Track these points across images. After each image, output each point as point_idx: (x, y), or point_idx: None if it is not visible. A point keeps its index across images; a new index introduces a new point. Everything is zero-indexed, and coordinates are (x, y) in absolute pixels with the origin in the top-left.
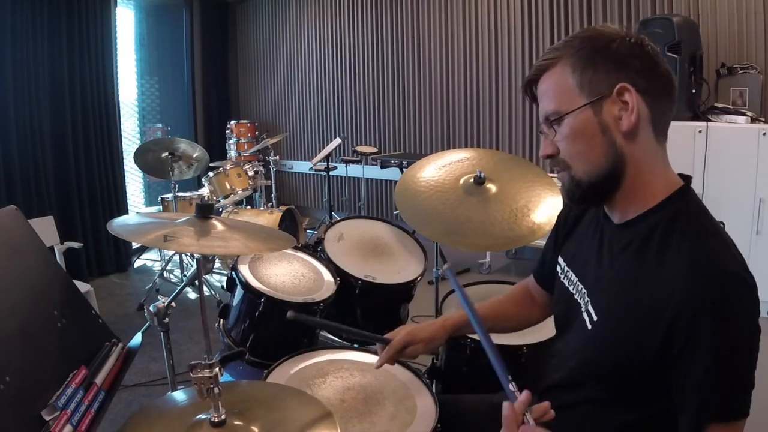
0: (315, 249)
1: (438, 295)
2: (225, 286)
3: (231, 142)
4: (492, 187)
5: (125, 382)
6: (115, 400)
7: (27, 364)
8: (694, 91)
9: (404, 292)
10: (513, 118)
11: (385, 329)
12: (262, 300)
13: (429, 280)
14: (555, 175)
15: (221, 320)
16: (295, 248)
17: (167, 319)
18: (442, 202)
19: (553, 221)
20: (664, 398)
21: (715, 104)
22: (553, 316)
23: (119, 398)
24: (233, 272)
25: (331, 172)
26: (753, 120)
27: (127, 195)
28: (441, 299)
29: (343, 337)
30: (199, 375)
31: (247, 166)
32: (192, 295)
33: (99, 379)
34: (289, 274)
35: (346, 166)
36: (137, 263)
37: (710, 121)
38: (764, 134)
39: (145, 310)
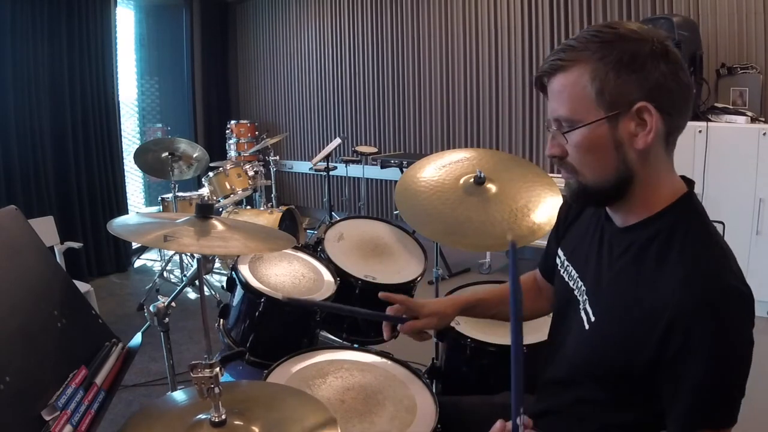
0: (315, 249)
1: (438, 295)
2: (225, 286)
3: (231, 142)
4: (492, 187)
5: (125, 382)
6: (115, 400)
7: (27, 364)
8: (694, 91)
9: (404, 292)
10: (513, 118)
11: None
12: (262, 300)
13: (429, 280)
14: (555, 175)
15: (221, 320)
16: (295, 248)
17: (167, 319)
18: (442, 202)
19: (553, 221)
20: (661, 400)
21: (715, 104)
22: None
23: (119, 398)
24: (233, 272)
25: (331, 172)
26: (753, 120)
27: (127, 195)
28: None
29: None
30: (200, 375)
31: (247, 166)
32: (192, 295)
33: (99, 379)
34: (289, 274)
35: (346, 166)
36: (137, 263)
37: (710, 121)
38: (764, 134)
39: (145, 310)
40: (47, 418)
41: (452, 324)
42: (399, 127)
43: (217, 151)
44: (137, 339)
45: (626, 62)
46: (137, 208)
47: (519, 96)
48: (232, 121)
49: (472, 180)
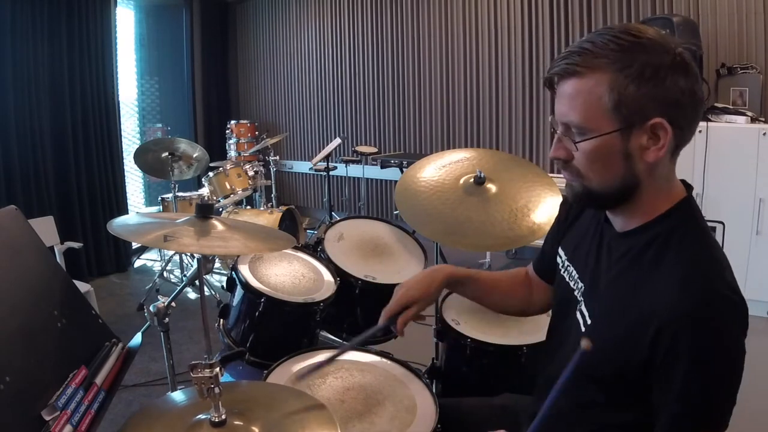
0: (315, 249)
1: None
2: (225, 286)
3: (231, 142)
4: (492, 187)
5: (125, 382)
6: (115, 400)
7: (27, 364)
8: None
9: None
10: (513, 118)
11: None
12: (262, 300)
13: None
14: (555, 175)
15: (221, 320)
16: (295, 248)
17: (167, 319)
18: (442, 202)
19: (553, 221)
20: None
21: (715, 104)
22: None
23: (119, 398)
24: (233, 272)
25: (331, 172)
26: (753, 120)
27: (127, 195)
28: (441, 299)
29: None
30: (200, 375)
31: (247, 166)
32: (192, 295)
33: (99, 379)
34: (289, 274)
35: (346, 166)
36: (137, 263)
37: (710, 121)
38: (764, 134)
39: (145, 310)
40: (47, 418)
41: (452, 324)
42: (399, 127)
43: (217, 151)
44: (137, 339)
45: (648, 76)
46: (137, 208)
47: (519, 96)
48: (232, 121)
49: (472, 180)
